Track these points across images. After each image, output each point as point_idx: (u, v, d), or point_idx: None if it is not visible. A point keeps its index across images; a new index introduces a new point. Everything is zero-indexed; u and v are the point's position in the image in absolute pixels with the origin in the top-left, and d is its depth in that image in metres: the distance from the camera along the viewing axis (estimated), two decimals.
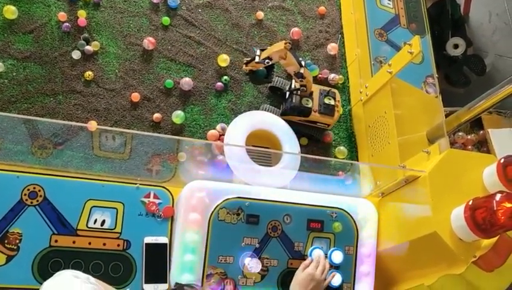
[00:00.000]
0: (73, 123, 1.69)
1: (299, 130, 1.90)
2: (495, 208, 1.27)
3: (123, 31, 1.90)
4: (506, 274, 1.43)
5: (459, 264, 1.37)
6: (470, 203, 1.35)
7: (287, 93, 1.89)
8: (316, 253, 1.49)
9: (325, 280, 1.43)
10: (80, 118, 1.74)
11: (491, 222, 1.27)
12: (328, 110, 1.87)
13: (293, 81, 1.86)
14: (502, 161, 1.41)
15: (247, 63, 1.75)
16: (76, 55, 1.80)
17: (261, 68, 1.75)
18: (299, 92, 1.84)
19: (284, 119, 1.86)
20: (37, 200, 1.33)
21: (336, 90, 1.94)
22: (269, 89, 1.99)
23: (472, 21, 2.81)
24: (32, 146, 1.55)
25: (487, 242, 1.38)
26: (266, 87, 1.99)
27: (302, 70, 1.74)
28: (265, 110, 1.90)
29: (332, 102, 1.87)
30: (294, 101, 1.84)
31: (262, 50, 1.72)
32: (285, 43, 1.66)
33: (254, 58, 1.72)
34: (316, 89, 1.90)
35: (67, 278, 1.01)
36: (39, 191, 1.33)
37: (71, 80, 1.77)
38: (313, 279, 1.38)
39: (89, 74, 1.79)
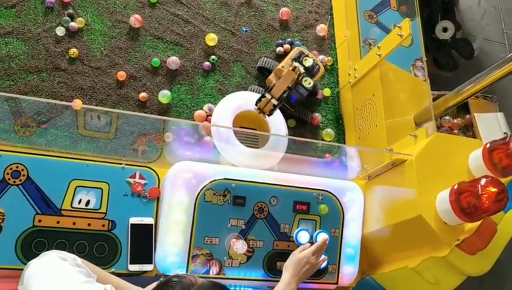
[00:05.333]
0: (58, 102, 1.66)
1: (287, 112, 1.89)
2: (480, 193, 1.28)
3: (109, 7, 1.86)
4: (489, 257, 1.45)
5: (443, 247, 1.39)
6: (455, 187, 1.36)
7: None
8: (322, 237, 1.49)
9: (318, 264, 1.45)
10: (64, 96, 1.71)
11: (476, 206, 1.29)
12: (314, 69, 1.87)
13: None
14: (488, 145, 1.42)
15: (263, 112, 1.69)
16: (60, 31, 1.76)
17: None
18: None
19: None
20: (20, 180, 1.31)
21: (299, 48, 1.92)
22: (257, 70, 1.97)
23: (461, 4, 2.80)
24: (15, 124, 1.53)
25: (470, 226, 1.40)
26: (254, 68, 1.97)
27: (301, 71, 1.71)
28: (253, 91, 1.88)
29: (310, 60, 1.87)
30: (301, 90, 1.82)
31: (269, 91, 1.66)
32: (293, 69, 1.65)
33: (264, 103, 1.67)
34: (288, 63, 1.87)
35: (54, 260, 1.00)
36: (22, 170, 1.31)
37: (55, 57, 1.74)
38: (308, 262, 1.40)
39: (73, 51, 1.75)
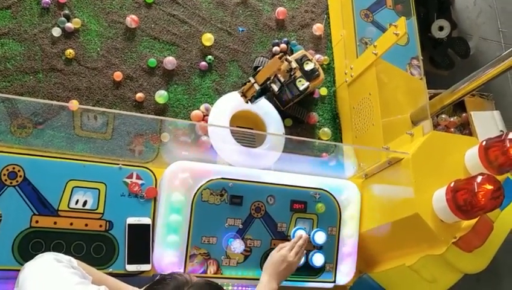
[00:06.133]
0: (54, 102, 1.66)
1: (284, 111, 1.89)
2: (476, 190, 1.29)
3: (105, 8, 1.86)
4: (485, 255, 1.46)
5: (439, 245, 1.39)
6: (452, 185, 1.37)
7: (274, 89, 1.80)
8: (298, 233, 1.49)
9: (299, 260, 1.43)
10: (60, 97, 1.71)
11: (472, 204, 1.29)
12: (313, 74, 1.87)
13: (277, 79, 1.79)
14: (484, 143, 1.43)
15: (245, 96, 1.67)
16: (56, 32, 1.76)
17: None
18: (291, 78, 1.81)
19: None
20: (17, 181, 1.31)
21: (302, 50, 1.93)
22: (254, 69, 1.97)
23: (457, 3, 2.80)
24: (12, 125, 1.52)
25: (467, 223, 1.41)
26: (251, 68, 1.97)
27: (293, 65, 1.72)
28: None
29: (311, 65, 1.87)
30: (293, 90, 1.82)
31: (254, 76, 1.65)
32: (280, 57, 1.64)
33: (248, 87, 1.65)
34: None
35: (49, 262, 1.00)
36: (19, 171, 1.31)
37: (51, 58, 1.73)
38: (285, 260, 1.37)
39: (70, 52, 1.75)
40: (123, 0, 1.89)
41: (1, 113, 1.52)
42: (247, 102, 1.69)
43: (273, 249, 1.48)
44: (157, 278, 0.93)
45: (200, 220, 1.42)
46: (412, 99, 1.85)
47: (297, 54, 1.90)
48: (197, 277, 0.94)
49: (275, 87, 1.68)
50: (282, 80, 1.68)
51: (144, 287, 0.95)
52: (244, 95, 1.67)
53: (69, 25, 1.77)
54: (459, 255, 1.41)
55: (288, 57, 1.70)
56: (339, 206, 1.59)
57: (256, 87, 1.63)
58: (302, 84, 1.82)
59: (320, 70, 1.90)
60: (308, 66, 1.86)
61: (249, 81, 1.65)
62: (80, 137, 1.58)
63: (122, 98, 1.78)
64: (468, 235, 1.38)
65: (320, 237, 1.53)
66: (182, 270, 1.38)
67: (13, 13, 1.74)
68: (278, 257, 1.38)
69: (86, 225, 1.36)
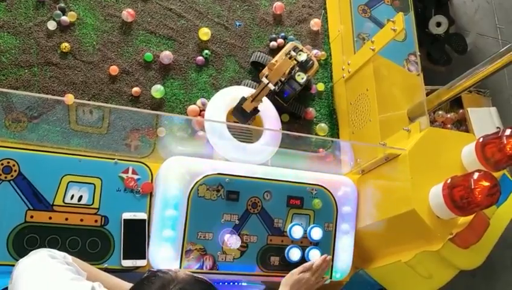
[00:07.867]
0: (49, 96, 1.65)
1: (281, 106, 1.88)
2: (472, 187, 1.28)
3: (101, 1, 1.84)
4: (481, 251, 1.46)
5: (436, 241, 1.39)
6: (448, 181, 1.36)
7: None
8: (322, 257, 1.49)
9: (316, 284, 1.45)
10: (56, 91, 1.70)
11: (469, 200, 1.29)
12: (308, 63, 1.86)
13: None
14: (481, 140, 1.43)
15: (256, 100, 1.64)
16: (52, 25, 1.74)
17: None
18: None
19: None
20: (12, 175, 1.30)
21: (293, 42, 1.92)
22: (251, 64, 1.96)
23: None
24: (6, 119, 1.51)
25: (463, 220, 1.41)
26: (248, 63, 1.97)
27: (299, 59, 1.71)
28: (246, 85, 1.88)
29: (304, 55, 1.86)
30: (294, 85, 1.81)
31: (266, 77, 1.63)
32: (290, 58, 1.63)
33: (261, 88, 1.63)
34: (282, 58, 1.86)
35: (43, 258, 0.99)
36: (13, 165, 1.30)
37: (47, 52, 1.72)
38: (306, 283, 1.40)
39: (65, 46, 1.74)
40: None
41: None
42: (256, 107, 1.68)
43: (269, 244, 1.49)
44: (144, 276, 0.91)
45: (196, 215, 1.41)
46: (409, 96, 1.84)
47: (287, 47, 1.88)
48: (193, 272, 0.93)
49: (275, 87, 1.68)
50: (282, 78, 1.67)
51: (129, 287, 0.93)
52: (255, 99, 1.65)
53: (65, 19, 1.76)
54: (455, 252, 1.41)
55: (293, 53, 1.69)
56: (335, 202, 1.59)
57: (271, 86, 1.61)
58: (302, 78, 1.82)
59: (314, 59, 1.89)
60: (302, 57, 1.85)
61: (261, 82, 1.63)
62: (75, 131, 1.57)
63: (118, 92, 1.77)
64: (464, 232, 1.38)
65: (316, 233, 1.53)
66: (178, 266, 1.37)
67: (8, 6, 1.72)
68: (301, 278, 1.39)
69: (81, 220, 1.35)
